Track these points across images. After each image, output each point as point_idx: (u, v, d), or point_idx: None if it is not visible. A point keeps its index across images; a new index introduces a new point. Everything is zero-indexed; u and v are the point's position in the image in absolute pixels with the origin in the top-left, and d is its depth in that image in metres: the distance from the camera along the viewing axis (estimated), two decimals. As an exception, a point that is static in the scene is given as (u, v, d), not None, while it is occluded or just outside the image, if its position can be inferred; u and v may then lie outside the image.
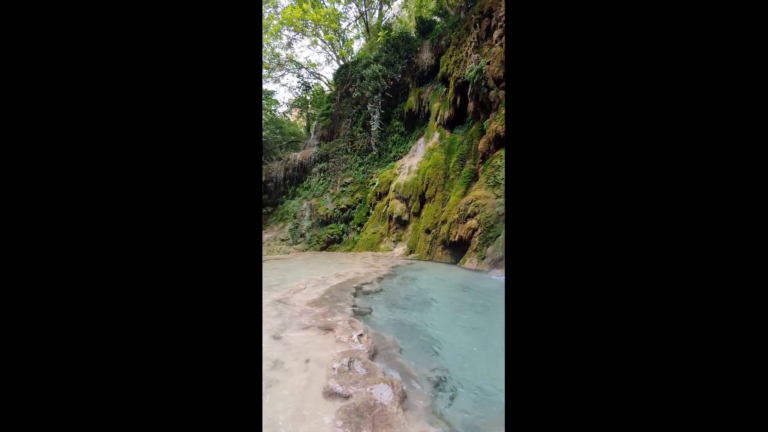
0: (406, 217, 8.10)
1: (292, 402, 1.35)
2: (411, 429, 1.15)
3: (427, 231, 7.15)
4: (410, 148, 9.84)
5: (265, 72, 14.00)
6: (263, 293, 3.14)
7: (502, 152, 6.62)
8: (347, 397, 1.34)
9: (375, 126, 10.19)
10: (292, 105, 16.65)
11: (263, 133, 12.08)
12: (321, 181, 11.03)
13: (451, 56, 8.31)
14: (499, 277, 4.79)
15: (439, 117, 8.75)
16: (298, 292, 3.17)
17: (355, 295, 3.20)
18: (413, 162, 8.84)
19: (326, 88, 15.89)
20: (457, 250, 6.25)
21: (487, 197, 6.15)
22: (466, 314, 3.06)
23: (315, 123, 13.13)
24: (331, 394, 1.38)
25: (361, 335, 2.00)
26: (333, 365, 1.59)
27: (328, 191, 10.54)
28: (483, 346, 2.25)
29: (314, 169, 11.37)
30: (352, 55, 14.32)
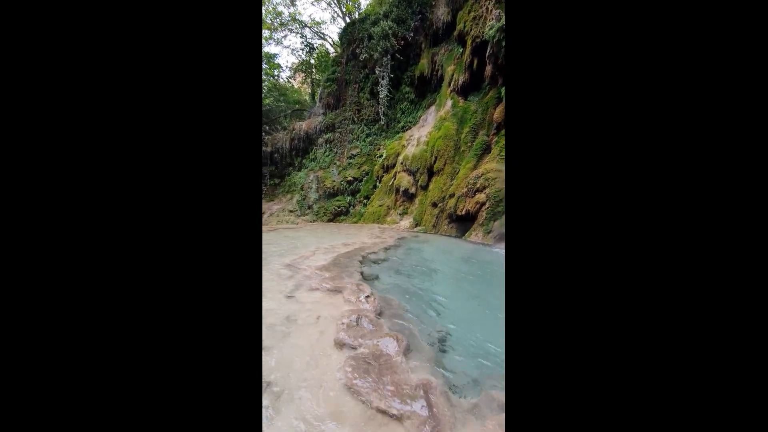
0: (413, 190, 8.01)
1: (307, 350, 1.49)
2: (413, 375, 1.28)
3: (434, 204, 7.11)
4: (420, 117, 9.33)
5: (266, 33, 12.93)
6: (275, 259, 3.30)
7: (518, 122, 6.19)
8: (356, 348, 1.47)
9: (383, 92, 9.57)
10: (296, 69, 15.63)
11: (266, 101, 11.61)
12: (327, 153, 10.80)
13: (469, 11, 7.39)
14: (502, 250, 4.84)
15: (453, 82, 8.10)
16: (308, 258, 3.32)
17: (361, 262, 3.32)
18: (422, 133, 8.45)
19: (331, 50, 14.68)
20: (463, 223, 6.25)
21: (499, 171, 5.94)
22: (468, 283, 3.17)
23: (320, 89, 12.43)
24: (341, 345, 1.51)
25: (368, 296, 2.13)
26: (342, 321, 1.72)
27: (335, 163, 10.37)
28: (483, 311, 2.37)
29: (320, 140, 11.07)
30: (360, 11, 12.93)
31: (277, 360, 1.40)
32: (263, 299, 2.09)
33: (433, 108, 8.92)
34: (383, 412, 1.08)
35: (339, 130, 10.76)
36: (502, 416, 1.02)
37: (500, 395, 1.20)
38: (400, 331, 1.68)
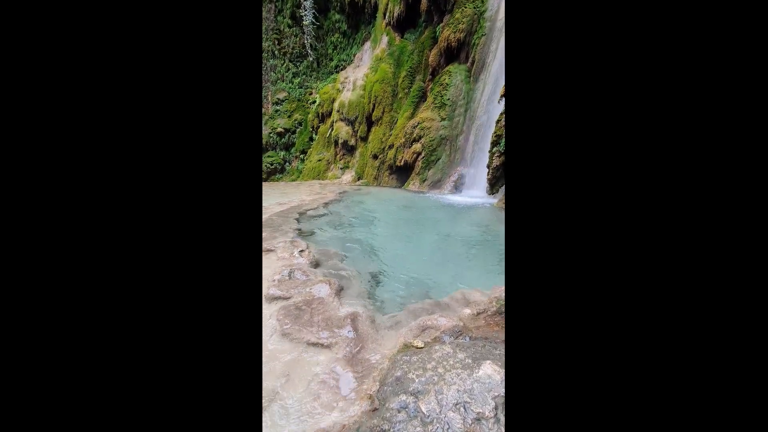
0: (353, 142, 7.59)
1: (233, 310, 1.43)
2: (343, 310, 1.40)
3: (375, 156, 7.01)
4: (355, 55, 8.24)
5: None
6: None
7: (451, 68, 6.16)
8: (287, 298, 1.49)
9: (308, 18, 7.85)
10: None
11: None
12: (245, 97, 8.83)
13: None
14: (435, 195, 5.34)
15: (388, 14, 7.16)
16: (234, 222, 2.96)
17: (298, 220, 3.18)
18: (359, 75, 7.63)
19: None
20: (402, 174, 6.48)
21: (432, 120, 6.06)
22: (403, 227, 3.46)
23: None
24: (272, 298, 1.50)
25: (302, 251, 2.10)
26: (274, 277, 1.68)
27: (258, 110, 8.69)
28: (415, 249, 2.68)
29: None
30: None
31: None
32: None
33: (368, 44, 7.94)
34: (314, 344, 1.18)
35: (256, 66, 8.70)
36: (414, 323, 1.25)
37: (416, 306, 1.45)
38: (335, 277, 1.76)
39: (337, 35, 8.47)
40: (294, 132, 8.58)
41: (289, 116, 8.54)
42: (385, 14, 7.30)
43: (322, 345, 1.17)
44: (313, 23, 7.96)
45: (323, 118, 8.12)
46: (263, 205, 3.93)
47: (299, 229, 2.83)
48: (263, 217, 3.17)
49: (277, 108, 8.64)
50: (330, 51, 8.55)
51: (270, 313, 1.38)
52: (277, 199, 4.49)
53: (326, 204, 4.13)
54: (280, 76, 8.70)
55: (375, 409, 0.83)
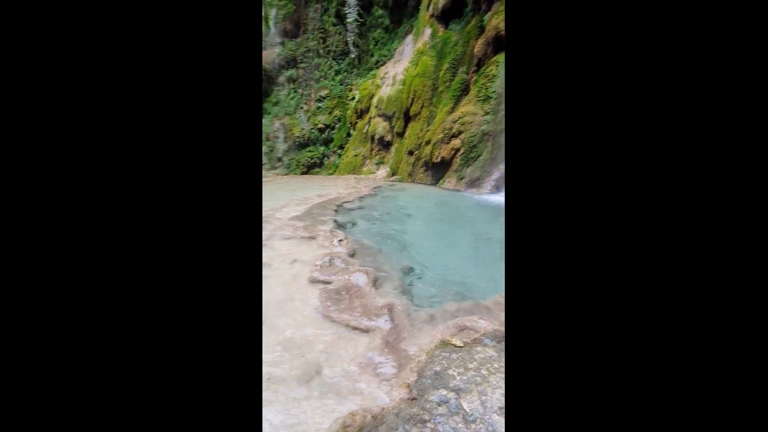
0: (389, 137, 7.62)
1: (283, 288, 1.58)
2: (380, 300, 1.43)
3: (410, 152, 6.94)
4: (396, 50, 8.20)
5: None
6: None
7: (499, 58, 5.73)
8: (329, 283, 1.58)
9: (352, 15, 8.02)
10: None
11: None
12: (291, 95, 9.46)
13: None
14: (473, 194, 5.09)
15: (432, 6, 6.93)
16: (279, 211, 3.23)
17: (336, 211, 3.33)
18: (399, 69, 7.58)
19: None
20: (438, 171, 6.30)
21: (475, 114, 5.74)
22: (438, 225, 3.39)
23: (274, 12, 10.03)
24: (315, 281, 1.62)
25: (341, 240, 2.20)
26: (316, 263, 1.80)
27: (302, 107, 9.22)
28: (449, 248, 2.61)
29: (281, 78, 9.52)
30: None
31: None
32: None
33: (410, 38, 7.81)
34: (354, 328, 1.24)
35: (303, 65, 9.22)
36: (452, 321, 1.23)
37: (452, 306, 1.42)
38: (371, 267, 1.82)
39: (378, 31, 8.50)
40: (333, 128, 8.94)
41: (329, 113, 8.91)
42: (428, 6, 7.09)
43: (360, 329, 1.23)
44: (356, 20, 8.11)
45: (361, 114, 8.30)
46: (306, 195, 4.20)
47: (336, 220, 2.97)
48: (306, 207, 3.39)
49: (319, 105, 9.07)
50: (371, 47, 8.63)
51: (313, 295, 1.49)
52: (317, 191, 4.75)
53: (361, 198, 4.25)
54: (323, 74, 9.10)
55: (413, 399, 0.85)
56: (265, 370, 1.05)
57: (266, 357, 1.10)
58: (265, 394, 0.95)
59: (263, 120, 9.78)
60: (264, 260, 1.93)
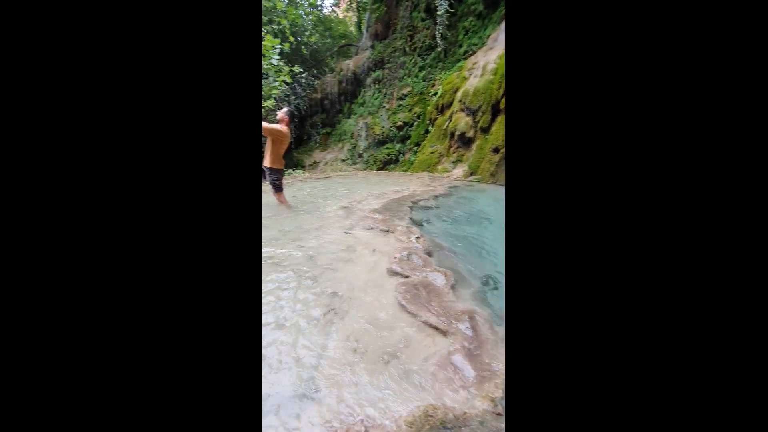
0: (471, 133, 7.11)
1: (365, 274, 1.76)
2: (459, 304, 1.40)
3: (495, 150, 6.26)
4: (489, 37, 7.48)
5: None
6: (332, 201, 3.66)
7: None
8: (407, 277, 1.65)
9: (443, 6, 7.76)
10: (340, -7, 13.70)
11: (312, 39, 10.91)
12: (376, 95, 10.11)
13: None
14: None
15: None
16: (360, 203, 3.57)
17: (411, 208, 3.40)
18: (491, 57, 6.90)
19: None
20: (527, 172, 5.44)
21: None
22: (525, 235, 2.96)
23: (367, 15, 10.86)
24: (394, 273, 1.72)
25: (418, 237, 2.25)
26: (395, 255, 1.91)
27: (384, 106, 9.75)
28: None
29: (368, 80, 10.30)
30: None
31: (341, 279, 1.70)
32: (326, 233, 2.44)
33: (504, 24, 6.95)
34: (431, 326, 1.26)
35: (389, 65, 9.67)
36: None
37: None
38: (448, 269, 1.78)
39: (470, 19, 7.94)
40: (412, 125, 9.06)
41: (409, 110, 9.06)
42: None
43: (438, 329, 1.24)
44: (447, 11, 7.82)
45: (442, 109, 8.05)
46: (382, 190, 4.47)
47: (411, 218, 3.04)
48: (383, 201, 3.62)
49: (400, 103, 9.34)
50: (460, 37, 8.17)
51: (392, 286, 1.59)
52: (392, 186, 4.98)
53: (436, 197, 4.18)
54: (407, 71, 9.29)
55: (499, 414, 0.80)
56: (347, 344, 1.20)
57: (350, 329, 1.27)
58: (349, 358, 1.09)
59: (350, 120, 10.87)
60: (349, 245, 2.19)
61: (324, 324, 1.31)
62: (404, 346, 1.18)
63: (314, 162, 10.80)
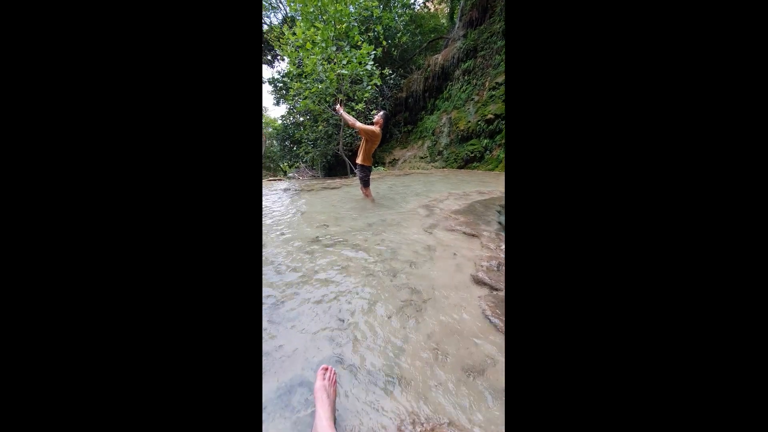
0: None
1: (446, 277, 1.69)
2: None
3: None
4: None
5: None
6: (412, 198, 3.71)
7: None
8: (495, 289, 1.48)
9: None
10: (434, -13, 13.38)
11: (403, 39, 11.18)
12: (464, 87, 9.45)
13: None
14: None
15: None
16: (442, 202, 3.45)
17: (499, 212, 3.03)
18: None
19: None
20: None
21: None
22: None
23: (461, 3, 10.20)
24: (479, 282, 1.58)
25: (509, 247, 1.98)
26: (482, 263, 1.75)
27: (472, 99, 9.00)
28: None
29: (457, 72, 9.74)
30: None
31: (421, 276, 1.69)
32: (406, 229, 2.49)
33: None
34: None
35: (482, 53, 8.82)
36: None
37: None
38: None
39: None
40: (504, 118, 8.01)
41: (503, 101, 8.03)
42: None
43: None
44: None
45: (547, 98, 6.71)
46: (465, 190, 4.19)
47: (500, 222, 2.70)
48: (466, 201, 3.38)
49: (492, 93, 8.40)
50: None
51: (478, 295, 1.46)
52: (477, 187, 4.59)
53: (532, 201, 3.55)
54: (503, 58, 8.23)
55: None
56: (428, 343, 1.18)
57: (429, 329, 1.24)
58: (428, 358, 1.07)
59: (432, 117, 10.65)
60: (429, 245, 2.15)
61: (403, 317, 1.34)
62: (491, 365, 1.07)
63: (394, 159, 11.24)
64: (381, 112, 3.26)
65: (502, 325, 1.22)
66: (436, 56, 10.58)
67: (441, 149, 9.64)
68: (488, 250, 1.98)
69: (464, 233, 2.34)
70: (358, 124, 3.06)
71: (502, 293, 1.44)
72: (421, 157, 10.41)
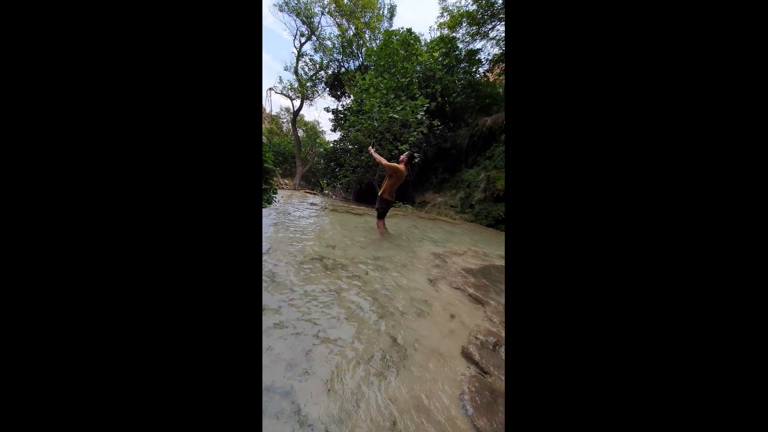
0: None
1: (433, 340, 1.52)
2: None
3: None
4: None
5: (474, 28, 13.13)
6: (427, 243, 3.61)
7: None
8: (486, 373, 1.27)
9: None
10: (496, 61, 14.77)
11: (458, 99, 12.14)
12: (508, 152, 9.58)
13: None
14: None
15: None
16: (457, 255, 3.29)
17: (517, 284, 2.75)
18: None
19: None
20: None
21: None
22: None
23: (521, 80, 10.90)
24: (468, 357, 1.38)
25: (515, 327, 1.74)
26: (478, 336, 1.55)
27: (515, 164, 9.01)
28: None
29: (503, 137, 10.06)
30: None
31: (409, 328, 1.55)
32: (410, 273, 2.38)
33: None
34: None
35: (532, 126, 9.05)
36: None
37: None
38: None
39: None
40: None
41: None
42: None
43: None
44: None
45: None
46: (487, 250, 3.96)
47: (515, 296, 2.43)
48: (484, 263, 3.17)
49: (536, 163, 8.38)
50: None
51: (461, 375, 1.27)
52: (500, 250, 4.31)
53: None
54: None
55: None
56: (388, 411, 1.01)
57: (393, 393, 1.07)
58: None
59: (472, 171, 10.83)
60: (428, 298, 2.00)
61: (370, 369, 1.20)
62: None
63: (424, 201, 11.37)
64: (406, 152, 3.47)
65: (476, 416, 1.01)
66: (486, 118, 11.17)
67: (473, 203, 9.51)
68: (490, 323, 1.76)
69: (470, 296, 2.15)
70: (384, 161, 3.32)
71: (490, 380, 1.23)
72: (452, 206, 10.35)
